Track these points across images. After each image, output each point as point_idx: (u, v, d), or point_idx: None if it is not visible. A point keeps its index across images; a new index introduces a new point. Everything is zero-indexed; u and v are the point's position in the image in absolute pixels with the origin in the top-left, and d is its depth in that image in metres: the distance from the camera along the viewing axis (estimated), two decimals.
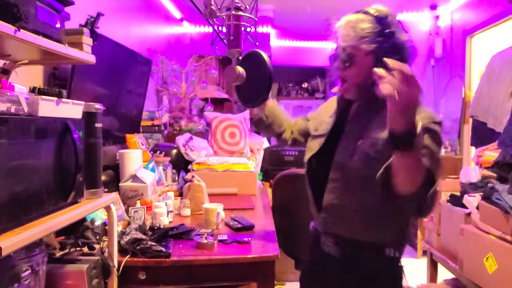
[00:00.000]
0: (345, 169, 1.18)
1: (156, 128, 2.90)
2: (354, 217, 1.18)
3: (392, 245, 1.19)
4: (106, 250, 1.26)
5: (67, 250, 1.30)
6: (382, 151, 1.07)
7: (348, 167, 1.17)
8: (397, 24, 1.17)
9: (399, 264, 1.22)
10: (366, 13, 1.16)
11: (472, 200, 2.25)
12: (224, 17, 1.49)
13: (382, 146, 1.09)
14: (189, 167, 2.52)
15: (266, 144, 2.99)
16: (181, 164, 2.57)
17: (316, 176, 1.29)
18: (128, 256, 1.36)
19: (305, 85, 7.48)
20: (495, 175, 2.30)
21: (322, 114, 1.39)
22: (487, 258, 1.97)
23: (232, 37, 1.47)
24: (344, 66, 1.17)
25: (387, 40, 1.13)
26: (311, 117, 1.45)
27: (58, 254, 1.28)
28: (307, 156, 1.34)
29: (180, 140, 2.66)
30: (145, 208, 1.75)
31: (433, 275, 2.68)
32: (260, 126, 1.57)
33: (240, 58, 1.52)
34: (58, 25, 1.06)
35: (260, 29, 4.71)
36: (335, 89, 1.33)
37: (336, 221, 1.21)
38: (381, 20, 1.14)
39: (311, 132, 1.38)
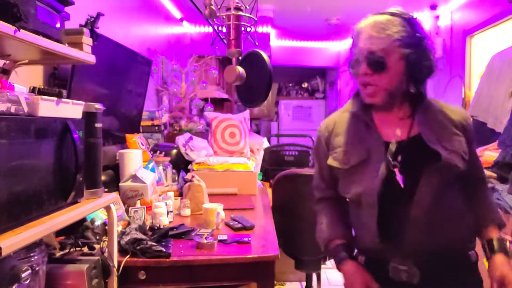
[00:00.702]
0: (421, 185, 1.05)
1: (156, 128, 2.90)
2: (440, 224, 1.07)
3: (473, 247, 1.13)
4: (106, 250, 1.26)
5: (67, 250, 1.30)
6: (463, 165, 1.09)
7: (425, 184, 1.05)
8: (423, 28, 1.10)
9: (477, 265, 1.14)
10: (394, 14, 1.07)
11: None
12: (224, 17, 1.49)
13: (461, 160, 1.09)
14: (189, 167, 2.52)
15: (266, 144, 2.99)
16: (181, 164, 2.57)
17: (387, 201, 1.09)
18: (128, 256, 1.36)
19: (305, 85, 7.47)
20: (495, 175, 2.30)
21: (337, 143, 1.19)
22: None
23: (232, 37, 1.47)
24: (374, 70, 1.06)
25: (419, 45, 1.06)
26: (331, 156, 1.20)
27: (58, 254, 1.28)
28: (366, 189, 1.10)
29: (180, 140, 2.65)
30: (145, 208, 1.75)
31: None
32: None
33: (240, 58, 1.52)
34: (58, 25, 1.06)
35: (260, 29, 4.71)
36: (348, 105, 1.22)
37: (422, 236, 1.05)
38: (411, 23, 1.07)
39: (340, 166, 1.16)
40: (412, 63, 1.06)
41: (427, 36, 1.09)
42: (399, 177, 1.07)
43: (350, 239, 1.22)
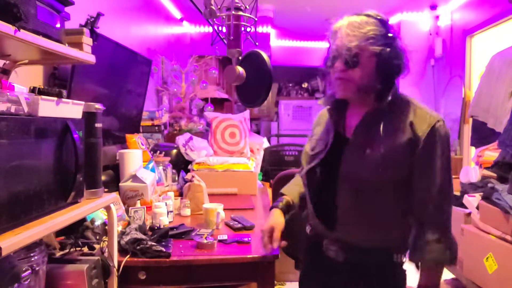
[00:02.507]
0: (354, 178, 1.16)
1: (156, 128, 2.90)
2: (364, 223, 1.17)
3: (399, 250, 1.19)
4: (106, 250, 1.26)
5: (67, 250, 1.30)
6: (393, 160, 1.12)
7: (358, 177, 1.15)
8: (399, 34, 1.17)
9: (403, 268, 1.22)
10: (368, 16, 1.14)
11: (472, 200, 2.25)
12: (224, 17, 1.49)
13: (392, 155, 1.12)
14: (189, 167, 2.52)
15: (266, 144, 2.99)
16: (181, 164, 2.57)
17: (319, 185, 1.27)
18: (128, 256, 1.36)
19: (305, 85, 7.47)
20: (495, 175, 2.30)
21: (316, 132, 1.35)
22: (487, 258, 1.97)
23: (232, 37, 1.47)
24: (348, 66, 1.14)
25: (390, 44, 1.12)
26: (308, 142, 1.38)
27: (58, 254, 1.28)
28: (305, 170, 1.30)
29: (180, 140, 2.66)
30: (145, 208, 1.75)
31: None
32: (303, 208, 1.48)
33: (240, 58, 1.52)
34: (58, 25, 1.06)
35: (260, 29, 4.71)
36: (321, 101, 1.32)
37: (346, 227, 1.19)
38: (384, 24, 1.14)
39: (308, 153, 1.32)
40: (382, 60, 1.12)
41: (399, 38, 1.16)
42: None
43: (294, 202, 1.41)
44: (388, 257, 1.18)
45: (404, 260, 1.21)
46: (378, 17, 1.14)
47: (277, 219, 1.34)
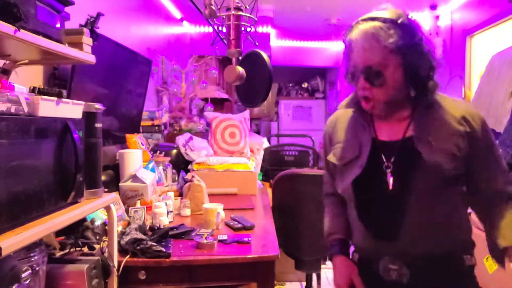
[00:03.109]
0: (410, 188, 1.04)
1: (156, 128, 2.90)
2: (435, 223, 1.06)
3: (469, 250, 1.10)
4: (106, 250, 1.26)
5: (67, 250, 1.30)
6: (458, 152, 1.03)
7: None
8: (420, 28, 1.04)
9: (474, 272, 1.11)
10: (385, 20, 1.01)
11: None
12: (224, 17, 1.49)
13: (457, 147, 1.03)
14: (189, 167, 2.52)
15: (266, 144, 2.99)
16: (181, 164, 2.57)
17: (370, 197, 1.12)
18: (128, 256, 1.36)
19: (305, 85, 7.47)
20: None
21: (338, 139, 1.21)
22: (487, 258, 1.97)
23: (232, 37, 1.47)
24: (372, 85, 1.03)
25: (415, 48, 1.01)
26: (331, 152, 1.22)
27: (58, 254, 1.28)
28: (346, 182, 1.13)
29: (180, 140, 2.65)
30: (145, 208, 1.75)
31: None
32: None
33: (240, 58, 1.52)
34: (58, 25, 1.06)
35: (260, 29, 4.71)
36: (342, 105, 1.21)
37: (410, 234, 1.05)
38: (406, 27, 1.01)
39: (336, 162, 1.17)
40: (410, 69, 1.02)
41: (423, 35, 1.04)
42: (389, 178, 1.07)
43: (349, 236, 1.23)
44: (460, 261, 1.08)
45: (475, 261, 1.10)
46: (396, 19, 1.01)
47: (348, 267, 1.17)
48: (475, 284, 1.11)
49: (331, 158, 1.19)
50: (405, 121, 1.11)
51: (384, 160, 1.09)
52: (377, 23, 1.01)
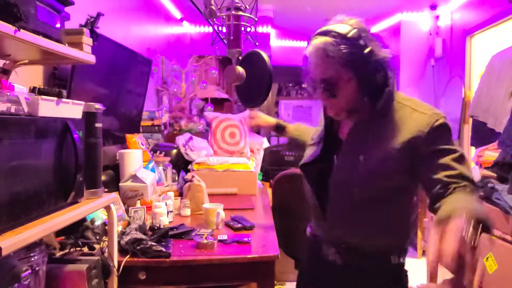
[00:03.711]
0: (348, 185, 1.12)
1: (156, 128, 2.90)
2: (360, 227, 1.15)
3: (397, 252, 1.17)
4: (106, 250, 1.26)
5: (67, 250, 1.30)
6: (388, 167, 1.07)
7: (351, 184, 1.11)
8: (372, 38, 1.06)
9: (404, 269, 1.20)
10: (336, 35, 1.03)
11: None
12: (224, 17, 1.49)
13: (387, 163, 1.07)
14: (189, 167, 2.52)
15: (266, 144, 2.99)
16: (181, 164, 2.57)
17: (318, 184, 1.23)
18: (128, 256, 1.36)
19: (305, 85, 7.46)
20: (495, 175, 2.30)
21: (320, 121, 1.34)
22: (487, 258, 1.97)
23: (232, 37, 1.47)
24: (328, 96, 1.09)
25: (367, 61, 1.03)
26: (315, 129, 1.38)
27: (58, 254, 1.28)
28: (302, 162, 1.30)
29: (180, 140, 2.65)
30: (145, 208, 1.75)
31: (433, 275, 2.68)
32: (291, 148, 1.60)
33: (240, 58, 1.52)
34: (58, 25, 1.06)
35: (260, 29, 4.71)
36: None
37: (342, 231, 1.18)
38: (355, 41, 1.02)
39: (308, 140, 1.35)
40: (363, 78, 1.05)
41: (380, 42, 1.05)
42: (334, 172, 1.17)
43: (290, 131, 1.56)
44: (385, 260, 1.16)
45: (402, 261, 1.18)
46: (349, 35, 1.02)
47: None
48: (401, 282, 1.19)
49: (312, 130, 1.37)
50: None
51: (335, 157, 1.19)
52: (328, 39, 1.03)
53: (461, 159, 1.05)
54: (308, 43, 1.10)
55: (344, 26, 1.04)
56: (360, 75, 1.04)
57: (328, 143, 1.22)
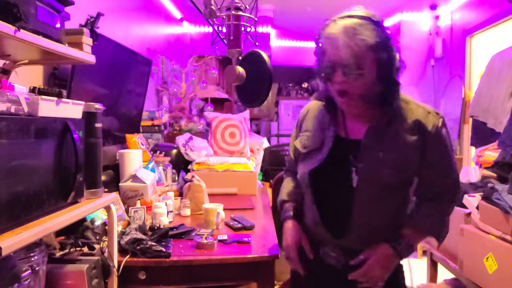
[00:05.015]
0: (372, 183, 1.13)
1: (156, 128, 2.90)
2: (375, 226, 1.15)
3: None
4: (106, 250, 1.26)
5: (67, 250, 1.30)
6: (406, 162, 1.12)
7: (377, 180, 1.12)
8: (386, 26, 1.10)
9: (400, 263, 1.22)
10: (362, 17, 1.05)
11: (472, 200, 2.25)
12: (224, 17, 1.49)
13: (405, 156, 1.12)
14: (189, 167, 2.52)
15: (266, 144, 2.99)
16: (181, 164, 2.57)
17: (325, 189, 1.21)
18: (128, 256, 1.36)
19: (305, 85, 7.47)
20: (495, 175, 2.29)
21: (306, 128, 1.29)
22: (487, 258, 1.97)
23: (232, 37, 1.47)
24: (350, 78, 1.06)
25: (389, 48, 1.07)
26: (298, 138, 1.32)
27: (58, 254, 1.28)
28: (304, 170, 1.22)
29: (180, 140, 2.65)
30: (145, 208, 1.75)
31: (433, 275, 2.67)
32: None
33: (240, 58, 1.52)
34: (58, 25, 1.06)
35: (260, 29, 4.71)
36: (313, 98, 1.28)
37: (355, 234, 1.16)
38: (379, 24, 1.06)
39: (300, 149, 1.27)
40: (383, 65, 1.06)
41: (391, 36, 1.09)
42: (354, 177, 1.15)
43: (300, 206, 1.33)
44: None
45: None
46: (374, 18, 1.06)
47: (298, 230, 1.27)
48: (398, 276, 1.22)
49: (297, 144, 1.29)
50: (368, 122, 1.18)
51: (351, 158, 1.16)
52: (355, 20, 1.05)
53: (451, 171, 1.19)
54: (324, 28, 1.09)
55: (369, 11, 1.07)
56: (382, 61, 1.06)
57: (336, 145, 1.18)
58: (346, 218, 1.16)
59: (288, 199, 1.36)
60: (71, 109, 1.09)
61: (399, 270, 1.23)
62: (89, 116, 1.20)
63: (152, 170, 2.11)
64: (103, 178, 1.50)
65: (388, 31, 1.08)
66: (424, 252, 3.02)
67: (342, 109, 1.18)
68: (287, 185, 1.40)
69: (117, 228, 1.37)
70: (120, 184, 1.94)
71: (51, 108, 1.00)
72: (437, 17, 4.47)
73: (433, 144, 1.13)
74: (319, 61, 1.13)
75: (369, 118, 1.15)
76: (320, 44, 1.11)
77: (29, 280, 0.96)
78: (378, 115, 1.14)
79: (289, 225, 1.29)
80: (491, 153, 2.52)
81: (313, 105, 1.31)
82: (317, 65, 1.14)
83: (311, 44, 6.21)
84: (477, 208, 2.16)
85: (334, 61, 1.07)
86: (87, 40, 1.19)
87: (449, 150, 1.16)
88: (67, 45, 1.09)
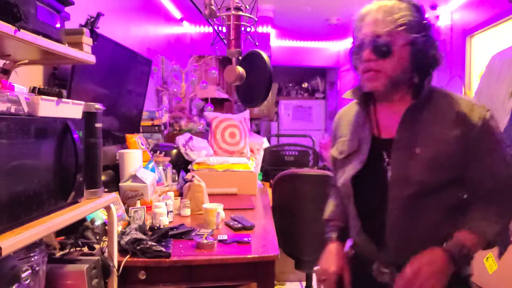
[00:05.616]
0: (406, 183, 1.01)
1: (156, 128, 2.90)
2: (417, 234, 1.03)
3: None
4: (106, 250, 1.26)
5: (67, 250, 1.30)
6: (447, 157, 1.00)
7: (410, 181, 1.01)
8: (431, 17, 1.06)
9: (471, 281, 1.09)
10: (401, 0, 1.02)
11: None
12: (224, 17, 1.49)
13: (446, 151, 1.00)
14: (189, 167, 2.52)
15: (266, 144, 2.99)
16: (181, 164, 2.57)
17: (367, 195, 1.10)
18: (128, 256, 1.36)
19: (305, 85, 7.47)
20: None
21: (341, 134, 1.21)
22: (487, 258, 1.97)
23: (232, 37, 1.47)
24: (378, 56, 1.00)
25: (425, 32, 1.01)
26: (334, 147, 1.23)
27: (58, 254, 1.28)
28: (346, 176, 1.12)
29: (180, 140, 2.65)
30: (145, 208, 1.75)
31: None
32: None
33: (240, 58, 1.52)
34: (58, 25, 1.06)
35: (260, 29, 4.71)
36: (347, 94, 1.16)
37: (395, 244, 1.04)
38: (418, 9, 1.02)
39: (337, 156, 1.18)
40: (417, 49, 1.00)
41: (432, 25, 1.04)
42: (388, 177, 1.05)
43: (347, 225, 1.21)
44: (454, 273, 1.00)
45: (470, 271, 1.08)
46: (412, 2, 1.02)
47: (339, 258, 1.14)
48: None
49: (334, 152, 1.21)
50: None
51: (386, 157, 1.06)
52: (393, 1, 1.02)
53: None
54: (362, 8, 1.06)
55: None
56: (416, 44, 1.00)
57: (372, 145, 1.09)
58: (382, 227, 1.04)
59: (334, 218, 1.26)
60: (71, 109, 1.09)
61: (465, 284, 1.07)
62: (89, 116, 1.20)
63: (152, 170, 2.11)
64: (103, 178, 1.50)
65: (428, 20, 1.03)
66: None
67: (367, 89, 1.07)
68: (333, 201, 1.31)
69: (117, 228, 1.37)
70: (120, 184, 1.94)
71: (51, 108, 1.00)
72: (437, 17, 4.47)
73: (479, 138, 1.00)
74: (353, 39, 1.08)
75: (398, 103, 1.07)
76: (355, 23, 1.07)
77: (29, 280, 0.96)
78: (408, 101, 1.06)
79: (332, 249, 1.18)
80: None
81: (343, 112, 1.25)
82: (352, 44, 1.09)
83: (311, 44, 6.24)
84: None
85: (364, 37, 1.03)
86: (87, 40, 1.19)
87: (501, 144, 1.03)
88: (67, 45, 1.09)
